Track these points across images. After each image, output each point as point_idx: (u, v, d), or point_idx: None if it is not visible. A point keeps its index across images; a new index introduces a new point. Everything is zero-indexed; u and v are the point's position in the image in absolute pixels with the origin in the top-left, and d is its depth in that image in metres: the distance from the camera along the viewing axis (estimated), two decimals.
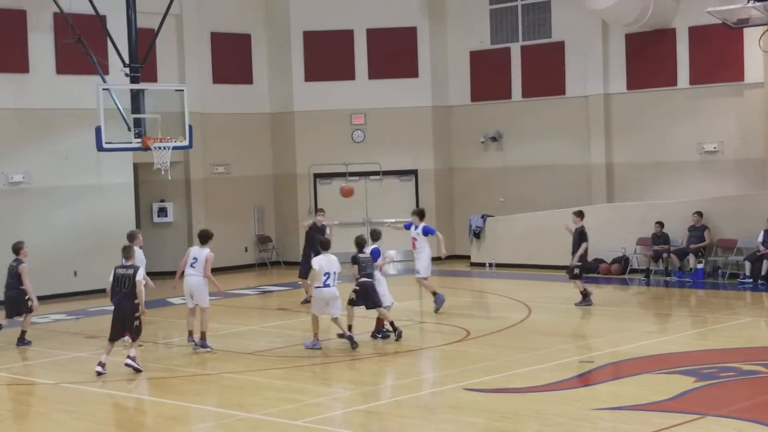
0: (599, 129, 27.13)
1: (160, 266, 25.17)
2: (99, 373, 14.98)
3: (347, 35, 29.20)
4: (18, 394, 14.56)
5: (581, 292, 20.23)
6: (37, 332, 18.96)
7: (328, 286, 16.42)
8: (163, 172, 20.21)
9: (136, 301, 15.08)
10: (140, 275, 15.22)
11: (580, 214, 20.64)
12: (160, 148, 20.11)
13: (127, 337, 15.56)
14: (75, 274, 23.97)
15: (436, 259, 21.52)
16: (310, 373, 15.11)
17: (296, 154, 29.45)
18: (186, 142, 20.68)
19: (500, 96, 28.83)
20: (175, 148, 20.57)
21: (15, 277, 17.71)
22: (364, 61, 29.24)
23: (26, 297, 17.72)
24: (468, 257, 28.06)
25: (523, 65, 28.39)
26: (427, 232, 20.03)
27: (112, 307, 15.55)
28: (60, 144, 24.08)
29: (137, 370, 15.13)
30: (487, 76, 29.03)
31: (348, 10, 29.11)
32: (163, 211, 27.92)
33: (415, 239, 20.04)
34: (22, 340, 17.88)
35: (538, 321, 18.38)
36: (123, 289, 15.03)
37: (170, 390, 14.24)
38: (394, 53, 29.22)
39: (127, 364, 15.16)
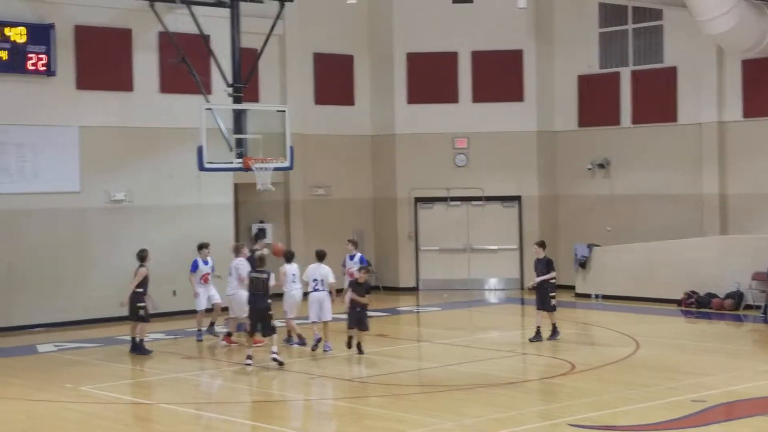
0: (713, 158, 26.24)
1: None
2: (248, 365, 16.78)
3: (451, 57, 28.83)
4: (116, 413, 14.44)
5: (553, 325, 19.62)
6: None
7: (317, 290, 18.55)
8: (262, 190, 20.32)
9: (269, 301, 17.12)
10: (272, 280, 17.40)
11: (542, 245, 20.08)
12: (261, 168, 20.01)
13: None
14: (174, 293, 23.91)
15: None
16: (410, 401, 14.70)
17: (397, 177, 29.14)
18: (287, 163, 20.58)
19: (608, 122, 28.13)
20: (276, 169, 20.46)
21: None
22: (468, 83, 28.84)
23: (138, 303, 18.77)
24: (573, 287, 27.36)
25: (633, 90, 27.67)
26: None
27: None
28: (162, 163, 24.15)
29: (281, 363, 16.81)
30: (595, 101, 28.38)
31: (452, 32, 28.75)
32: (262, 232, 27.76)
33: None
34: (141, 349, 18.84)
35: (647, 356, 17.69)
36: (258, 291, 16.99)
37: (266, 414, 14.05)
38: (499, 76, 28.76)
39: (273, 359, 16.91)
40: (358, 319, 17.97)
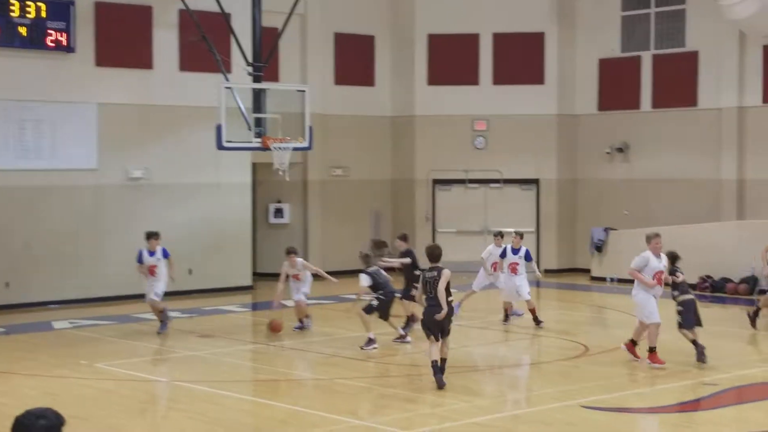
0: (732, 143, 26.13)
1: (273, 267, 25.04)
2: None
3: (472, 39, 28.75)
4: (131, 390, 14.51)
5: (408, 317, 18.29)
6: (151, 329, 19.04)
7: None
8: (281, 173, 20.07)
9: (449, 299, 13.98)
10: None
11: (404, 238, 19.38)
12: (279, 148, 19.99)
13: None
14: (190, 272, 24.00)
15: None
16: (425, 382, 14.72)
17: (415, 158, 29.12)
18: (306, 144, 20.52)
19: (629, 106, 28.02)
20: (294, 149, 20.43)
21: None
22: (488, 66, 28.76)
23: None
24: (588, 271, 27.32)
25: (654, 74, 27.53)
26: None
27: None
28: (180, 141, 24.18)
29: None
30: (616, 85, 28.25)
31: (474, 14, 28.66)
32: (279, 212, 27.86)
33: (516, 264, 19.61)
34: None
35: (660, 340, 17.50)
36: (431, 293, 13.92)
37: (281, 393, 14.10)
38: (520, 59, 28.67)
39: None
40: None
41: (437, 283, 13.60)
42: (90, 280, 22.91)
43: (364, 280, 17.05)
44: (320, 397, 14.00)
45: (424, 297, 13.92)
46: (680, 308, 15.78)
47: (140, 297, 19.37)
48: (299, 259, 18.91)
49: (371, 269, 17.16)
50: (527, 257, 19.69)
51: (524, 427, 11.96)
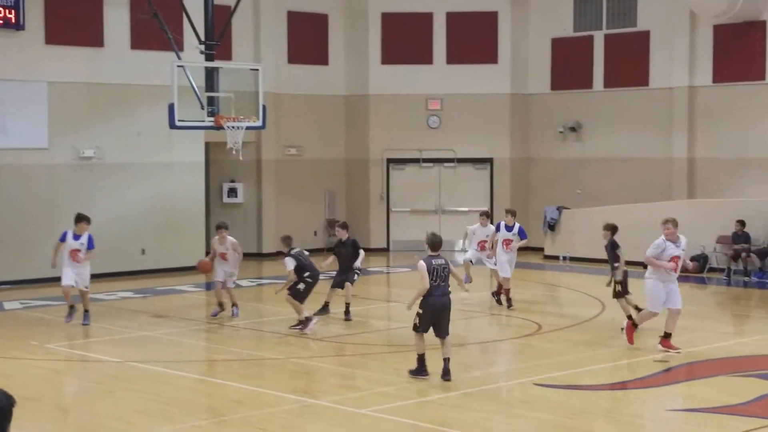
0: (682, 122, 26.39)
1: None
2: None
3: (426, 18, 28.75)
4: (84, 371, 14.46)
5: (325, 303, 18.16)
6: (103, 309, 18.92)
7: None
8: (235, 152, 19.97)
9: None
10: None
11: (345, 226, 18.64)
12: (233, 127, 19.88)
13: None
14: (143, 252, 23.89)
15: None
16: (379, 361, 14.78)
17: (370, 138, 29.12)
18: (259, 123, 20.43)
19: (581, 85, 28.19)
20: (248, 128, 20.33)
21: None
22: (442, 45, 28.79)
23: None
24: (541, 249, 27.50)
25: (606, 54, 27.72)
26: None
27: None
28: (132, 120, 24.00)
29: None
30: (569, 65, 28.41)
31: None
32: (233, 192, 27.76)
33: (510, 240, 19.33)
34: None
35: (612, 317, 17.82)
36: (442, 283, 13.08)
37: (236, 373, 14.05)
38: (474, 38, 28.72)
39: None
40: None
41: (448, 272, 12.97)
42: (41, 261, 22.57)
43: (290, 264, 16.52)
44: (275, 377, 13.99)
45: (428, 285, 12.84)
46: (622, 279, 16.69)
47: (92, 278, 19.21)
48: (230, 238, 18.01)
49: (294, 251, 16.66)
50: (522, 235, 19.44)
51: (477, 404, 12.03)
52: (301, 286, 16.63)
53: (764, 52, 25.07)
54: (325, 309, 18.00)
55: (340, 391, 12.80)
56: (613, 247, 16.88)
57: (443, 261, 12.99)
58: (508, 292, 19.15)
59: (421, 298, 13.00)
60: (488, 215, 20.43)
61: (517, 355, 15.54)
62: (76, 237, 17.39)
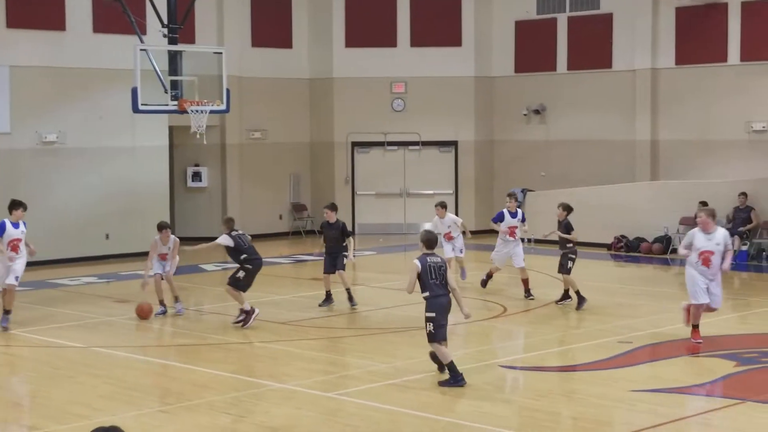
0: (645, 104, 26.54)
1: (193, 232, 25.04)
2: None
3: (390, 1, 28.71)
4: (47, 357, 14.36)
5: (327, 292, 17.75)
6: (67, 295, 18.80)
7: None
8: (198, 136, 19.88)
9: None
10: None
11: (333, 208, 17.90)
12: (196, 111, 19.77)
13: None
14: (107, 236, 23.76)
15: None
16: (344, 344, 14.82)
17: (334, 121, 29.07)
18: (223, 106, 20.33)
19: (545, 68, 28.27)
20: (212, 111, 20.23)
21: None
22: (406, 27, 28.76)
23: None
24: None
25: (569, 36, 27.80)
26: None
27: None
28: (95, 104, 23.82)
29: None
30: (532, 47, 28.47)
31: None
32: (197, 176, 27.65)
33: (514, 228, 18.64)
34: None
35: (576, 299, 17.91)
36: (442, 281, 12.13)
37: (201, 357, 14.03)
38: (438, 21, 28.72)
39: None
40: None
41: (445, 271, 12.02)
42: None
43: (223, 240, 15.82)
44: (241, 361, 13.99)
45: (426, 285, 11.98)
46: (573, 257, 17.01)
47: (55, 263, 19.13)
48: (173, 236, 17.14)
49: (234, 233, 15.95)
50: (522, 219, 18.71)
51: (443, 387, 12.09)
52: (241, 273, 15.89)
53: (726, 34, 25.25)
54: (328, 299, 17.59)
55: (306, 374, 12.80)
56: (567, 228, 17.04)
57: (439, 259, 12.15)
58: (526, 282, 18.31)
59: (426, 302, 12.03)
60: (444, 205, 19.54)
61: (482, 338, 15.59)
62: (15, 225, 15.94)
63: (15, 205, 16.08)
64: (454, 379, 11.99)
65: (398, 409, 11.16)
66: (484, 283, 19.03)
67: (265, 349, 14.46)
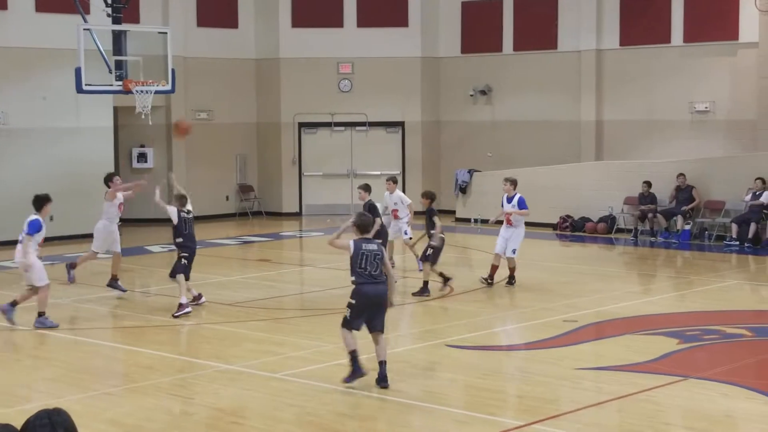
0: (590, 85, 26.77)
1: (139, 213, 24.84)
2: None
3: None
4: None
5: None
6: (10, 277, 18.59)
7: None
8: (144, 117, 19.70)
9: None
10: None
11: (366, 188, 17.72)
12: (141, 91, 19.61)
13: None
14: (51, 218, 23.40)
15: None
16: (291, 325, 14.82)
17: (281, 102, 28.97)
18: (168, 87, 20.18)
19: (491, 49, 28.38)
20: (157, 92, 20.06)
21: None
22: (353, 8, 28.70)
23: None
24: (453, 212, 27.73)
25: (515, 18, 27.92)
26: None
27: None
28: (38, 84, 23.54)
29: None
30: (479, 28, 28.56)
31: None
32: (142, 157, 27.44)
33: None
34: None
35: (522, 279, 18.07)
36: (374, 270, 11.23)
37: (147, 339, 13.94)
38: (385, 1, 28.70)
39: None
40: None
41: (381, 258, 11.13)
42: None
43: (172, 212, 15.41)
44: (187, 343, 13.96)
45: (353, 271, 11.17)
46: (438, 245, 16.90)
47: (4, 245, 18.92)
48: (117, 178, 17.34)
49: (183, 214, 15.56)
50: (521, 205, 17.55)
51: (390, 366, 12.07)
52: (184, 262, 15.57)
53: (669, 15, 25.52)
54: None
55: (253, 355, 12.79)
56: (430, 215, 17.10)
57: (375, 247, 11.19)
58: (512, 270, 17.60)
59: (353, 287, 11.27)
60: (395, 180, 19.28)
61: (429, 317, 15.67)
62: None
63: (47, 199, 14.86)
64: (353, 371, 11.25)
65: (345, 389, 11.19)
66: (490, 281, 17.74)
67: (212, 330, 14.42)
